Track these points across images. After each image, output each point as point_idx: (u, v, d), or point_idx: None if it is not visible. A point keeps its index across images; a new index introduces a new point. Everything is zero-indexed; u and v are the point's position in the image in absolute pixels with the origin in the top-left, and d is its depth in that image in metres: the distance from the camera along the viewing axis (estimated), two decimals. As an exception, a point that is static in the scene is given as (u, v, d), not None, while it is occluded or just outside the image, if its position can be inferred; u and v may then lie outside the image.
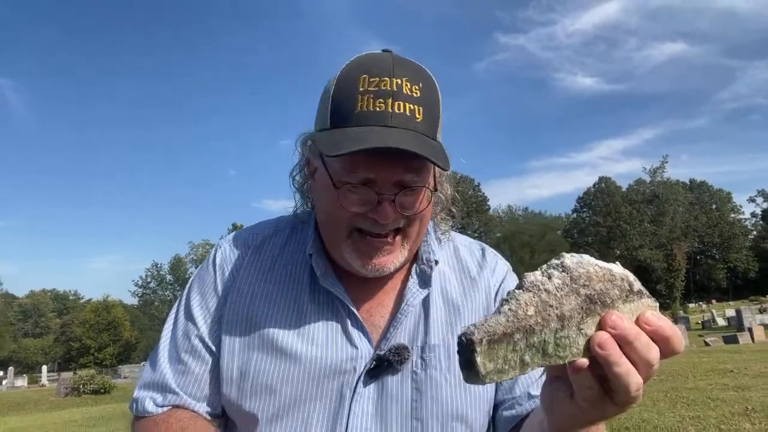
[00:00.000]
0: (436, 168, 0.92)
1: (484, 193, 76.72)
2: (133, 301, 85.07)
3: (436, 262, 0.98)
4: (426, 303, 0.97)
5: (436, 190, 0.93)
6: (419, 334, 0.94)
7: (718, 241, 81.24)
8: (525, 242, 70.79)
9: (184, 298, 1.01)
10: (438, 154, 0.83)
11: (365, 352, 0.91)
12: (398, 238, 0.91)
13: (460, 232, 1.11)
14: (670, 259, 61.32)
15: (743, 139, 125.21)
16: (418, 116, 0.85)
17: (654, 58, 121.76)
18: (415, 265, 0.98)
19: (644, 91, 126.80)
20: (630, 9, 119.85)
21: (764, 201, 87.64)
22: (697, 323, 33.44)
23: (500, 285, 1.03)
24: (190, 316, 0.97)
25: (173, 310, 1.01)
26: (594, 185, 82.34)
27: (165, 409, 0.93)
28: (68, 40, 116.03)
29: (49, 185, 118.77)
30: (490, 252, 1.09)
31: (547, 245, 72.59)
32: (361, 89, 0.84)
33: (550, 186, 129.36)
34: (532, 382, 0.97)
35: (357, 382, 0.90)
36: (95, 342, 61.69)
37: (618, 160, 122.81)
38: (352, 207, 0.86)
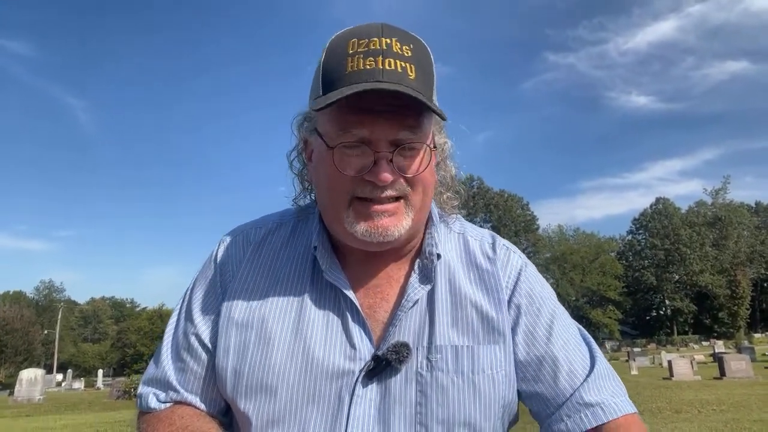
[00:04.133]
0: (438, 145, 0.92)
1: (533, 212, 75.13)
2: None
3: (438, 256, 0.93)
4: (432, 300, 0.91)
5: (435, 148, 0.89)
6: (425, 334, 0.89)
7: (788, 268, 76.15)
8: (576, 263, 68.73)
9: (187, 295, 0.99)
10: (434, 104, 0.81)
11: (365, 351, 0.87)
12: (401, 203, 0.86)
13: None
14: (734, 286, 58.03)
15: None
16: (410, 73, 0.81)
17: (713, 77, 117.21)
18: (418, 260, 0.94)
19: (703, 110, 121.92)
20: (687, 28, 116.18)
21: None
22: (764, 354, 31.32)
23: (515, 284, 0.95)
24: (189, 314, 0.95)
25: (177, 308, 1.00)
26: (651, 206, 79.21)
27: (167, 405, 0.92)
28: (132, 50, 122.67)
29: (113, 197, 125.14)
30: (502, 244, 1.00)
31: (599, 267, 70.24)
32: (351, 52, 0.81)
33: (601, 207, 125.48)
34: (578, 380, 0.88)
35: (355, 384, 0.85)
36: (149, 349, 63.84)
37: (675, 181, 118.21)
38: (349, 169, 0.82)
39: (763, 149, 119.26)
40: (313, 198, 0.99)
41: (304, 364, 0.86)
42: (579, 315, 69.72)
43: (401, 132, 0.81)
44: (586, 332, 0.97)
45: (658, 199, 78.99)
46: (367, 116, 0.80)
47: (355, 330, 0.88)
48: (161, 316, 66.48)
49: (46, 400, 20.12)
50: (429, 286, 0.91)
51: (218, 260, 0.98)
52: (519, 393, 0.93)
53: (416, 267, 0.93)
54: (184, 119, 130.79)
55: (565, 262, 67.86)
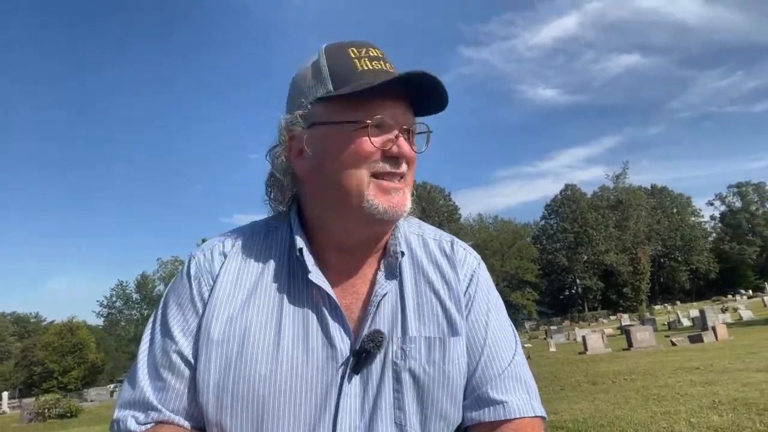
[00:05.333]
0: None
1: (454, 203, 77.57)
2: (99, 321, 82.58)
3: (402, 254, 0.99)
4: (402, 294, 0.97)
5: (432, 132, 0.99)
6: (398, 325, 0.94)
7: (680, 244, 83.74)
8: (496, 250, 71.73)
9: (159, 312, 0.97)
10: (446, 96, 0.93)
11: (345, 350, 0.90)
12: (403, 182, 0.94)
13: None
14: (635, 263, 62.82)
15: (699, 145, 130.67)
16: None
17: (610, 70, 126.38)
18: (383, 258, 0.99)
19: (602, 101, 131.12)
20: (586, 23, 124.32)
21: (722, 204, 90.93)
22: (664, 324, 34.31)
23: (470, 281, 1.02)
24: (167, 331, 0.93)
25: (149, 326, 0.97)
26: (561, 192, 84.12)
27: (148, 426, 0.90)
28: (30, 46, 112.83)
29: (3, 204, 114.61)
30: (460, 245, 1.06)
31: (516, 252, 73.75)
32: (353, 56, 0.91)
33: (516, 194, 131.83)
34: (492, 377, 0.95)
35: (342, 382, 0.89)
36: (59, 365, 59.38)
37: (581, 168, 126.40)
38: (374, 144, 0.89)
39: (656, 135, 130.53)
40: (288, 201, 1.01)
41: (288, 372, 0.88)
42: (500, 299, 72.80)
43: (412, 116, 0.94)
44: (516, 335, 1.04)
45: (567, 186, 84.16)
46: (388, 101, 0.90)
47: (335, 329, 0.91)
48: (71, 330, 61.89)
49: (-56, 430, 18.27)
50: (395, 281, 0.97)
51: (192, 275, 0.97)
52: None
53: (382, 264, 0.98)
54: (85, 110, 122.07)
55: (486, 249, 70.61)
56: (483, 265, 1.07)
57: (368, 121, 0.89)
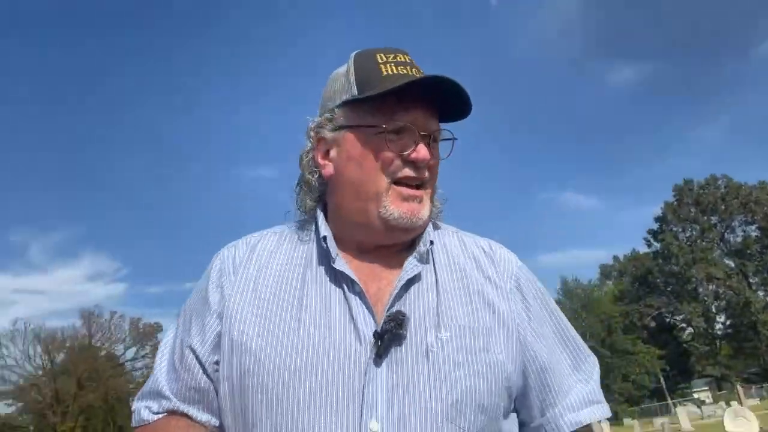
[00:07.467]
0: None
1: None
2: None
3: (432, 242, 0.99)
4: (437, 280, 0.96)
5: (456, 139, 1.01)
6: (433, 312, 0.92)
7: None
8: None
9: (186, 305, 1.01)
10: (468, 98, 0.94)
11: (370, 333, 0.87)
12: (423, 191, 0.96)
13: None
14: None
15: None
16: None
17: None
18: (415, 245, 0.98)
19: None
20: None
21: None
22: None
23: (518, 278, 1.01)
24: (186, 324, 0.97)
25: (176, 319, 1.02)
26: None
27: (161, 416, 0.93)
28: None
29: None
30: (498, 244, 1.07)
31: None
32: (380, 61, 0.95)
33: None
34: (570, 405, 0.94)
35: (367, 368, 0.85)
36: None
37: None
38: (394, 150, 0.92)
39: None
40: (311, 203, 1.03)
41: (310, 359, 0.86)
42: None
43: (435, 122, 0.96)
44: (582, 344, 1.03)
45: None
46: (411, 105, 0.92)
47: (360, 316, 0.89)
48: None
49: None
50: (426, 266, 0.96)
51: (215, 269, 1.00)
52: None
53: (414, 251, 0.97)
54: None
55: None
56: (524, 266, 1.06)
57: (384, 126, 0.92)
